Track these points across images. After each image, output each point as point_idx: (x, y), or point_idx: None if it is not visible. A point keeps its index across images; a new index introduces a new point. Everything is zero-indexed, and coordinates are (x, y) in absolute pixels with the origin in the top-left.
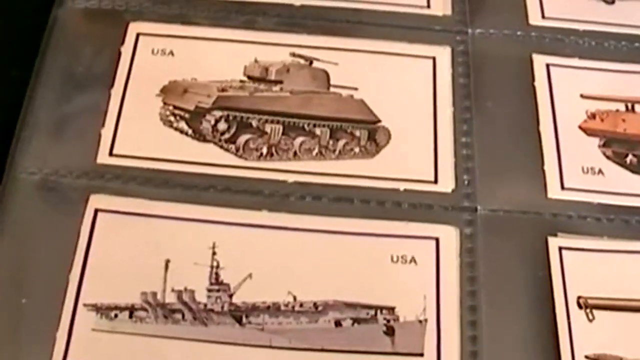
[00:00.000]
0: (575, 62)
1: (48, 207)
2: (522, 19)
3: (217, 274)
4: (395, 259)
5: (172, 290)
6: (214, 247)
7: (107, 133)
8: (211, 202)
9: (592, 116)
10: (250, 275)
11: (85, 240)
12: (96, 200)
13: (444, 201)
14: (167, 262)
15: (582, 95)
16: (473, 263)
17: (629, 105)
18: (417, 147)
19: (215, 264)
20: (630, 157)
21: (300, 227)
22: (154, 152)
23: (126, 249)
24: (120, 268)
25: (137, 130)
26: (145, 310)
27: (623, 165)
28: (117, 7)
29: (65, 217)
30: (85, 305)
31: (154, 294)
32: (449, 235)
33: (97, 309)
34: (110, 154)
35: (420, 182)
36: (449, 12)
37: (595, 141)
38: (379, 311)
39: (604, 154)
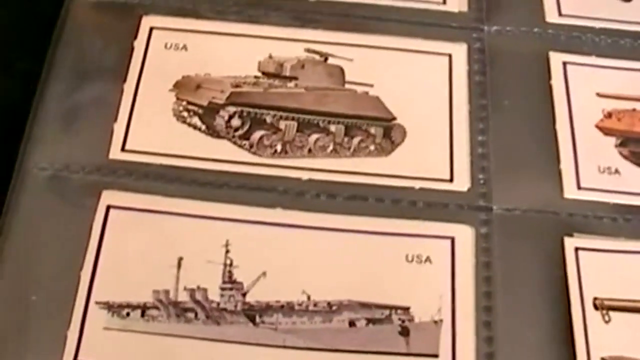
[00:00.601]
0: (592, 60)
1: (59, 203)
2: (539, 16)
3: (230, 272)
4: (410, 258)
5: (185, 288)
6: (227, 245)
7: (119, 128)
8: (224, 199)
9: (609, 115)
10: (264, 274)
11: (97, 237)
12: (108, 197)
13: (459, 200)
14: (180, 260)
15: (598, 94)
16: (489, 263)
17: None
18: (433, 145)
19: (228, 262)
20: None
21: (314, 226)
22: (167, 148)
23: (138, 247)
24: (132, 266)
25: (150, 126)
26: (158, 308)
27: None
28: (130, 1)
29: (77, 213)
30: (97, 303)
31: (167, 292)
32: (465, 235)
33: (109, 307)
34: (123, 149)
35: (435, 180)
36: (465, 8)
37: (612, 140)
38: (393, 311)
39: (621, 153)
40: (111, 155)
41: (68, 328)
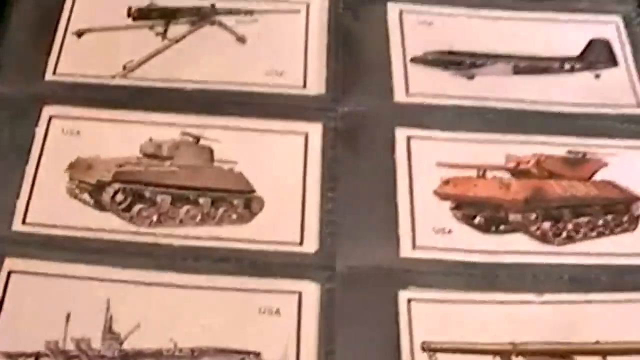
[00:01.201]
0: (434, 133)
1: None
2: (389, 95)
3: (110, 324)
4: (262, 310)
5: (72, 339)
6: (108, 302)
7: (20, 204)
8: (108, 263)
9: (446, 182)
10: (138, 325)
11: None
12: (10, 264)
13: (308, 260)
14: (68, 315)
15: (438, 164)
16: (331, 314)
17: (481, 171)
18: (287, 213)
19: (109, 316)
20: (478, 218)
21: (183, 284)
22: (61, 221)
23: (34, 305)
24: (28, 320)
25: (47, 202)
26: (49, 356)
27: (472, 225)
28: (34, 92)
29: None
30: None
31: (56, 342)
32: (310, 290)
33: (9, 356)
34: (24, 222)
35: (288, 244)
36: (322, 91)
37: (448, 204)
38: (246, 356)
39: (455, 215)
40: (14, 227)
41: None
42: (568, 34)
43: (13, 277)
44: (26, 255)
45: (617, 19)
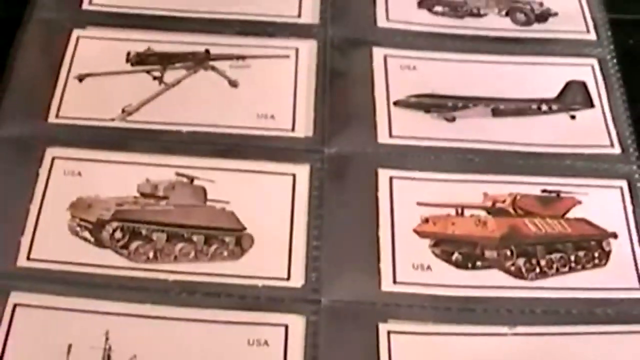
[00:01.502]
0: (415, 174)
1: None
2: (372, 137)
3: (109, 355)
4: (251, 342)
5: None
6: (107, 334)
7: (25, 240)
8: (107, 297)
9: (426, 220)
10: (135, 356)
11: (4, 331)
12: (15, 297)
13: (294, 294)
14: (70, 346)
15: (418, 203)
16: (316, 345)
17: (459, 210)
18: (275, 250)
19: (107, 347)
20: (456, 254)
21: (177, 317)
22: (63, 257)
23: (38, 336)
24: (32, 351)
25: (50, 239)
26: None
27: (449, 261)
28: (35, 134)
29: None
30: None
31: None
32: (297, 323)
33: None
34: (28, 258)
35: (275, 279)
36: (310, 133)
37: (427, 242)
38: None
39: (434, 252)
40: (19, 263)
41: None
42: (546, 76)
43: (18, 310)
44: (30, 290)
45: (593, 62)
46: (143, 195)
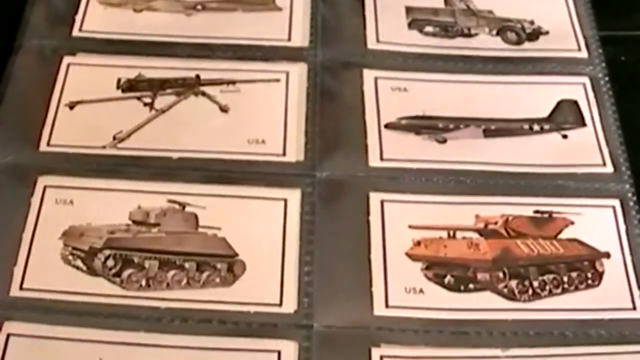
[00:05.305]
0: (406, 197)
1: None
2: (364, 161)
3: None
4: None
5: None
6: None
7: (18, 270)
8: (99, 325)
9: (418, 243)
10: None
11: None
12: (8, 327)
13: (287, 320)
14: None
15: (410, 226)
16: None
17: (451, 232)
18: (267, 276)
19: None
20: (448, 277)
21: (169, 345)
22: (56, 286)
23: None
24: None
25: (43, 268)
26: None
27: (442, 284)
28: (28, 163)
29: None
30: None
31: None
32: (289, 348)
33: None
34: (21, 287)
35: (268, 305)
36: (301, 158)
37: (419, 265)
38: None
39: (426, 275)
40: (12, 293)
41: None
42: (537, 95)
43: (12, 339)
44: (24, 319)
45: (585, 80)
46: (135, 222)
